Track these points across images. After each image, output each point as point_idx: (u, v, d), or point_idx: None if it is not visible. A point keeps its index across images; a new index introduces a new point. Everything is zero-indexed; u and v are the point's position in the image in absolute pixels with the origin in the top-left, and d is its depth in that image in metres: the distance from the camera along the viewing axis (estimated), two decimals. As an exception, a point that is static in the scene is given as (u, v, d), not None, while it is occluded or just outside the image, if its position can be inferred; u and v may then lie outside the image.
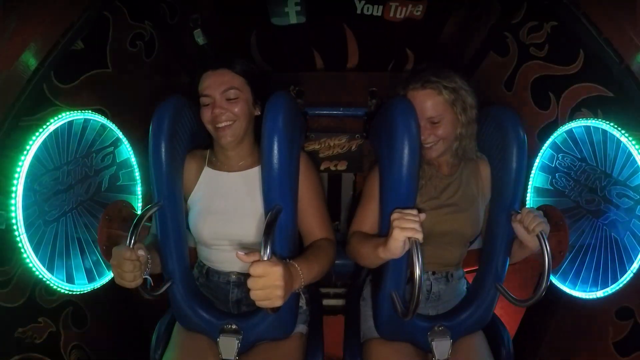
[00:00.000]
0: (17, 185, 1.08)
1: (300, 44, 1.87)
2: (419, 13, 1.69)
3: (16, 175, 1.08)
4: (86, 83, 1.35)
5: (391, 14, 1.69)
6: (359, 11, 1.70)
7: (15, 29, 1.08)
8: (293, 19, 1.68)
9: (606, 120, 1.25)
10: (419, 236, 0.98)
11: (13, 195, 1.08)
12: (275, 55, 1.90)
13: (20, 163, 1.09)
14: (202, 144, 1.39)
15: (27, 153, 1.11)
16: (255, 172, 1.29)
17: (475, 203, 1.32)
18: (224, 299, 1.35)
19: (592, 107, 1.34)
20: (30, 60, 1.10)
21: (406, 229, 0.98)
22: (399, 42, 1.86)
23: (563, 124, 1.41)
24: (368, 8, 1.69)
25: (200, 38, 1.71)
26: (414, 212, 1.02)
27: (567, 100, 1.43)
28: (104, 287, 1.39)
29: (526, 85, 1.58)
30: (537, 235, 1.10)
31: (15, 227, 1.09)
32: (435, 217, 1.27)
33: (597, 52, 1.21)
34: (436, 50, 1.89)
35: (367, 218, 1.28)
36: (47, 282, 1.19)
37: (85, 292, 1.32)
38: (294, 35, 1.78)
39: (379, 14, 1.69)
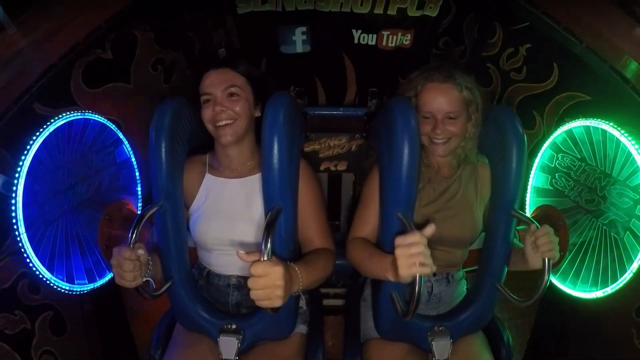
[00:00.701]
0: (17, 185, 1.08)
1: (304, 71, 1.98)
2: (407, 42, 1.88)
3: (16, 175, 1.08)
4: (108, 92, 1.43)
5: (384, 43, 1.88)
6: (356, 40, 1.87)
7: (48, 21, 1.20)
8: (299, 48, 1.87)
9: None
10: (427, 271, 0.94)
11: (13, 195, 1.08)
12: (281, 82, 1.95)
13: (20, 163, 1.09)
14: (201, 145, 1.39)
15: (27, 153, 1.11)
16: (256, 179, 1.28)
17: (474, 206, 1.31)
18: (223, 302, 1.34)
19: (574, 114, 1.38)
20: (57, 49, 1.19)
21: (413, 267, 0.93)
22: (392, 70, 1.97)
23: (549, 138, 1.45)
24: (364, 37, 1.87)
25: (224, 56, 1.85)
26: (418, 238, 0.94)
27: (550, 114, 1.49)
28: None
29: (512, 110, 1.62)
30: (544, 259, 1.10)
31: (15, 227, 1.09)
32: (434, 221, 1.27)
33: (556, 38, 1.29)
34: None
35: (368, 222, 1.27)
36: (48, 281, 1.19)
37: (84, 292, 1.32)
38: (299, 64, 1.93)
39: (374, 42, 1.88)
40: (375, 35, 1.86)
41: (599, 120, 1.25)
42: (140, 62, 1.55)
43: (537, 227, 1.11)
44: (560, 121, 1.45)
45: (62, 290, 1.24)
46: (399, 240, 0.95)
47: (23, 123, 1.13)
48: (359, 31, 1.85)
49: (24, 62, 1.14)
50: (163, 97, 1.65)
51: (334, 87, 2.07)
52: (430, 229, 0.96)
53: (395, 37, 1.86)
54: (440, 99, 1.19)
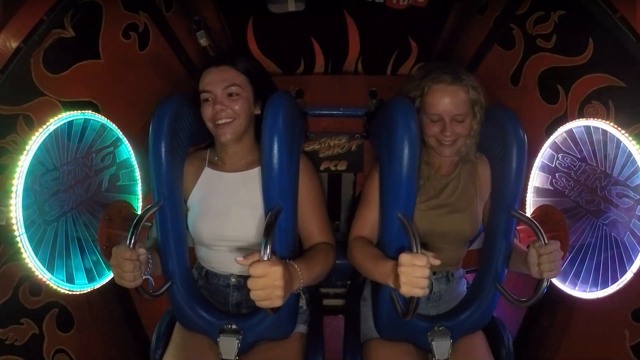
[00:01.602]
0: (17, 185, 1.08)
1: (298, 32, 1.79)
2: (422, 0, 1.62)
3: (16, 175, 1.08)
4: (76, 73, 1.31)
5: (394, 1, 1.62)
6: None
7: None
8: (292, 6, 1.61)
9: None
10: (426, 292, 0.95)
11: (13, 195, 1.08)
12: (272, 46, 1.84)
13: (19, 163, 1.09)
14: (202, 143, 1.39)
15: (27, 153, 1.11)
16: (255, 173, 1.29)
17: (473, 203, 1.32)
18: (223, 302, 1.34)
19: (603, 99, 1.28)
20: (10, 39, 1.06)
21: (414, 288, 0.94)
22: (402, 31, 1.78)
23: (573, 118, 1.36)
24: None
25: (203, 39, 1.67)
26: (424, 262, 0.93)
27: (576, 92, 1.37)
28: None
29: (533, 79, 1.53)
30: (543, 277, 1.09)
31: (15, 227, 1.08)
32: (434, 217, 1.27)
33: (612, 31, 1.14)
34: (440, 42, 1.85)
35: (368, 221, 1.27)
36: (48, 282, 1.19)
37: (85, 291, 1.32)
38: (292, 24, 1.71)
39: (382, 0, 1.62)
40: None
41: (601, 121, 1.24)
42: (108, 32, 1.38)
43: (544, 243, 1.09)
44: (587, 102, 1.34)
45: (63, 291, 1.24)
46: (405, 259, 0.94)
47: None
48: None
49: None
50: (141, 67, 1.53)
51: (334, 49, 1.87)
52: (436, 262, 0.96)
53: None
54: (449, 101, 1.18)
